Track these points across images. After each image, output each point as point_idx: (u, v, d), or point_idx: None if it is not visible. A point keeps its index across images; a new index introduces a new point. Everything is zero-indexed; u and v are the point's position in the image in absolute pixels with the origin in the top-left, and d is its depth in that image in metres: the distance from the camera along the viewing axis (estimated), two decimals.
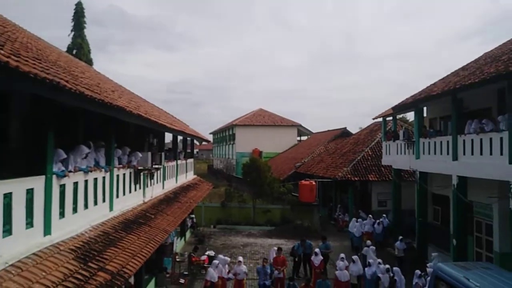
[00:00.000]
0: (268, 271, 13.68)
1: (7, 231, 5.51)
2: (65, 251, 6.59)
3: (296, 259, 16.22)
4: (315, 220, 25.15)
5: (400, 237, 16.46)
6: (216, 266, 12.96)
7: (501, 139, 11.55)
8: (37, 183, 6.33)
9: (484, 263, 11.34)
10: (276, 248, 14.83)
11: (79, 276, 6.05)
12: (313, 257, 14.72)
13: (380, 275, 12.72)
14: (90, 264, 6.63)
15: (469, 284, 8.86)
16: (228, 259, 14.31)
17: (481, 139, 12.61)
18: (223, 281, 13.16)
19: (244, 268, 13.43)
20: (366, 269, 13.25)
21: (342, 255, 13.88)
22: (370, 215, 20.54)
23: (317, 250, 14.92)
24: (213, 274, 12.56)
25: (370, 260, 13.53)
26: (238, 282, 13.32)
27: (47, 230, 6.58)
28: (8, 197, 5.51)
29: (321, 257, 14.63)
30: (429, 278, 11.34)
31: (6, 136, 7.65)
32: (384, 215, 21.00)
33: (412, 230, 18.81)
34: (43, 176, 6.50)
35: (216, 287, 12.52)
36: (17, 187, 5.79)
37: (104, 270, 6.73)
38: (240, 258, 13.95)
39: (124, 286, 7.66)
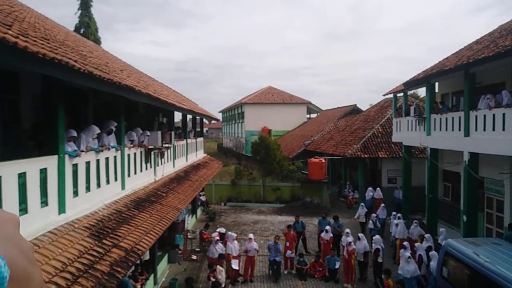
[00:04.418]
0: (280, 248, 13.89)
1: (23, 209, 5.64)
2: (79, 228, 6.74)
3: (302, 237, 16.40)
4: (324, 197, 25.28)
5: (362, 204, 18.80)
6: (216, 242, 13.36)
7: None
8: (50, 163, 6.42)
9: (494, 239, 11.34)
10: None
11: (94, 253, 6.21)
12: (323, 234, 14.88)
13: (378, 246, 12.99)
14: (104, 241, 6.78)
15: (479, 259, 8.90)
16: (235, 234, 14.40)
17: (493, 115, 12.39)
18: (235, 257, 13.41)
19: (255, 244, 13.64)
20: (357, 242, 13.56)
21: (348, 230, 14.24)
22: (369, 188, 22.85)
23: (328, 227, 15.06)
24: (212, 250, 13.02)
25: (360, 234, 14.02)
26: (249, 259, 13.56)
27: (61, 209, 6.72)
28: (22, 176, 5.62)
29: (331, 234, 14.80)
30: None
31: (19, 117, 7.74)
32: (397, 189, 22.31)
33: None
34: (56, 156, 6.59)
35: (220, 263, 12.37)
36: (31, 167, 5.89)
37: (118, 247, 6.89)
38: (251, 235, 14.14)
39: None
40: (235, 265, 13.16)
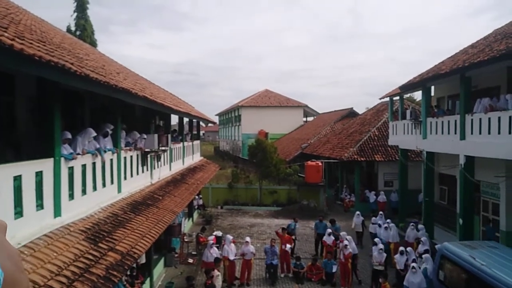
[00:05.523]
0: (277, 250, 13.88)
1: (19, 213, 5.60)
2: (75, 232, 6.70)
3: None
4: (321, 200, 25.29)
5: (357, 212, 18.24)
6: (211, 246, 13.36)
7: (510, 118, 11.40)
8: (45, 165, 6.39)
9: (490, 242, 11.38)
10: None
11: (89, 256, 6.17)
12: (325, 237, 14.91)
13: (385, 254, 12.94)
14: (100, 244, 6.74)
15: (475, 263, 8.92)
16: (231, 237, 14.39)
17: (489, 118, 12.45)
18: (230, 262, 13.35)
19: (251, 248, 13.60)
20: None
21: (344, 233, 14.49)
22: (372, 191, 23.49)
23: (329, 230, 15.11)
24: (207, 254, 13.02)
25: (348, 237, 14.04)
26: (245, 262, 13.52)
27: (57, 212, 6.68)
28: (18, 179, 5.58)
29: (333, 238, 14.82)
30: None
31: (14, 119, 7.69)
32: (393, 193, 22.44)
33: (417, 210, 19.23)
34: (52, 159, 6.56)
35: (217, 267, 12.30)
36: (26, 169, 5.85)
37: (114, 250, 6.85)
38: (248, 239, 14.11)
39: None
40: (231, 255, 13.26)
